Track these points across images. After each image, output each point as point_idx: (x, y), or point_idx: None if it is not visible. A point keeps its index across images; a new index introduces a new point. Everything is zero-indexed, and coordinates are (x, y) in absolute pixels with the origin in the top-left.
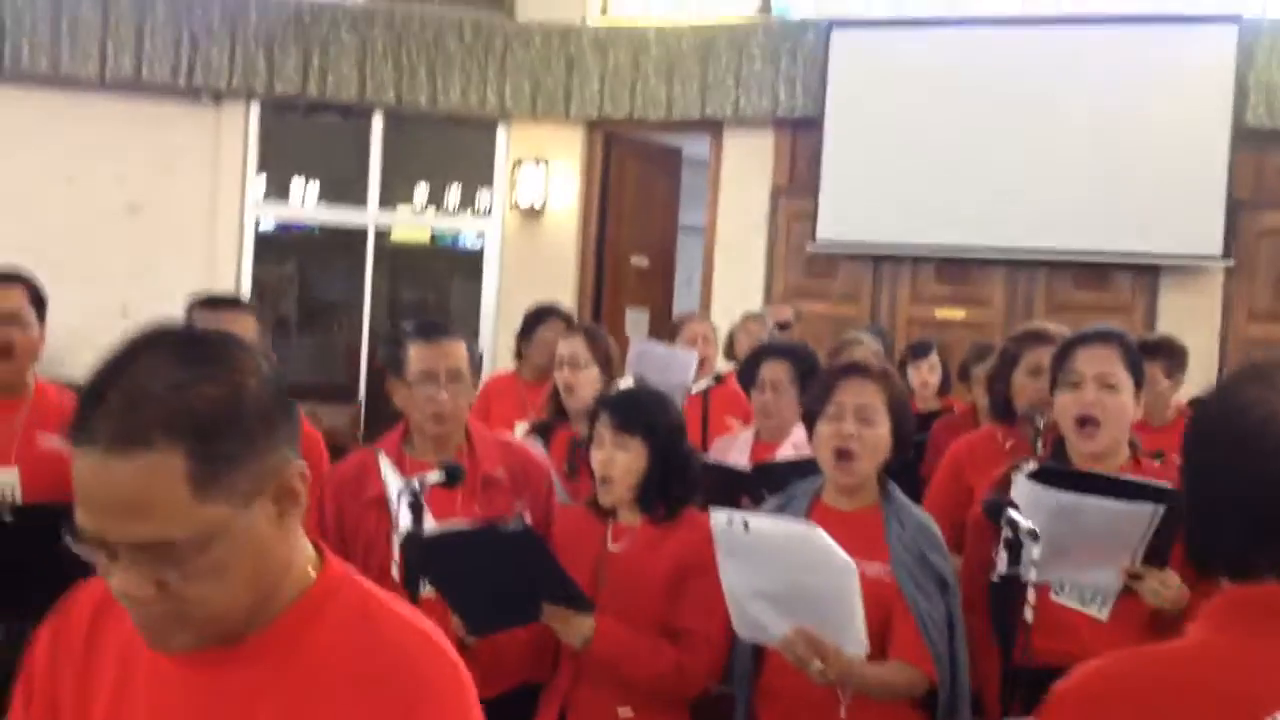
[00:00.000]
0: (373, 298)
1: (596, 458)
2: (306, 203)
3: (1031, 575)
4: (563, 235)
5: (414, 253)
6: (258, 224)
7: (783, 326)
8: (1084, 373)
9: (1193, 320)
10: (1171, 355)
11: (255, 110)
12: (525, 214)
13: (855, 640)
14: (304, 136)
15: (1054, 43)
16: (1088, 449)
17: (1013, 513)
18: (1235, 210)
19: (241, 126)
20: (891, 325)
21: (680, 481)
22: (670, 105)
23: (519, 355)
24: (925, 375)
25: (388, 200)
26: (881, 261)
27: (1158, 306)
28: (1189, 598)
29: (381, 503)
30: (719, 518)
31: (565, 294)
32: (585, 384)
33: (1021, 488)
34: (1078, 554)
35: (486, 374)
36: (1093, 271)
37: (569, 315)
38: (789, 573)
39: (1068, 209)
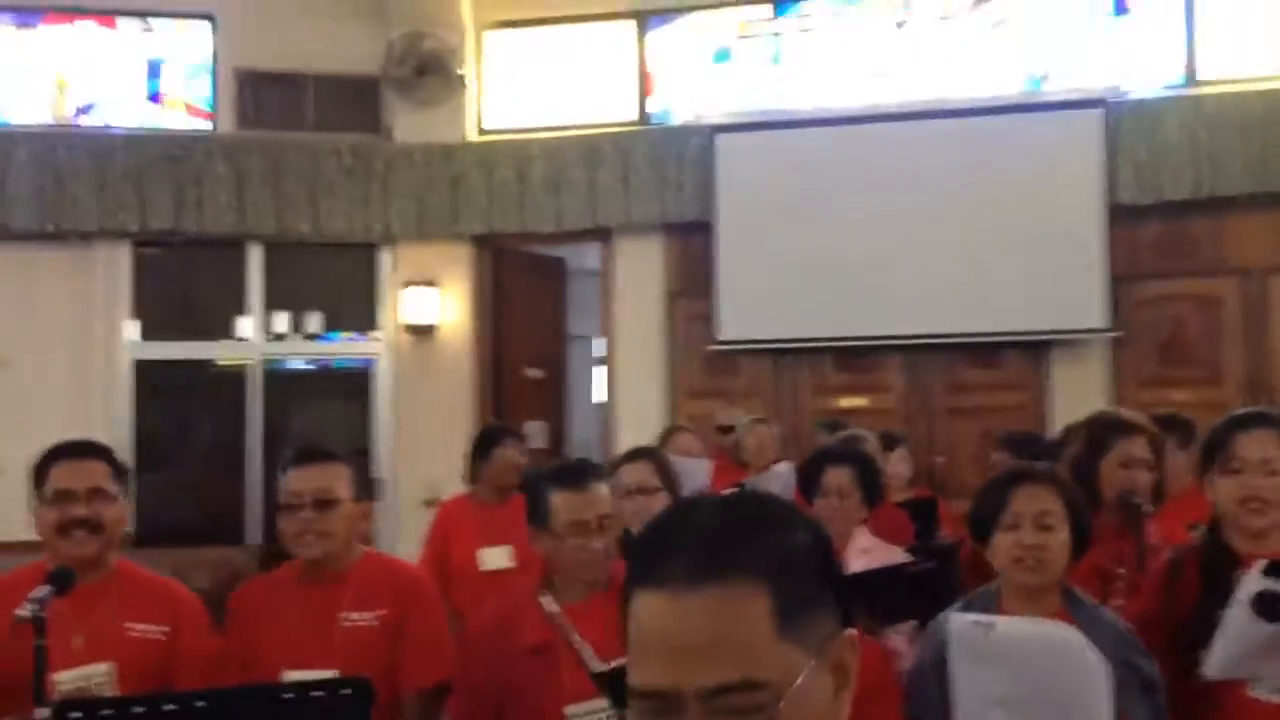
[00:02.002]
0: (263, 432)
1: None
2: (185, 340)
3: (1209, 671)
4: (456, 352)
5: (301, 381)
6: (134, 366)
7: (728, 430)
8: (1246, 458)
9: (1084, 391)
10: (1184, 429)
11: (127, 250)
12: (416, 334)
13: None
14: (181, 272)
15: (932, 133)
16: (1253, 525)
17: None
18: (1116, 284)
19: (113, 267)
20: (796, 417)
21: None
22: (560, 216)
23: (473, 478)
24: (896, 466)
25: (271, 331)
26: (781, 356)
27: (1050, 381)
28: None
29: (536, 650)
30: (962, 621)
31: (462, 410)
32: (655, 510)
33: (1251, 580)
34: None
35: (390, 494)
36: (986, 351)
37: (522, 433)
38: (1036, 676)
39: (957, 292)
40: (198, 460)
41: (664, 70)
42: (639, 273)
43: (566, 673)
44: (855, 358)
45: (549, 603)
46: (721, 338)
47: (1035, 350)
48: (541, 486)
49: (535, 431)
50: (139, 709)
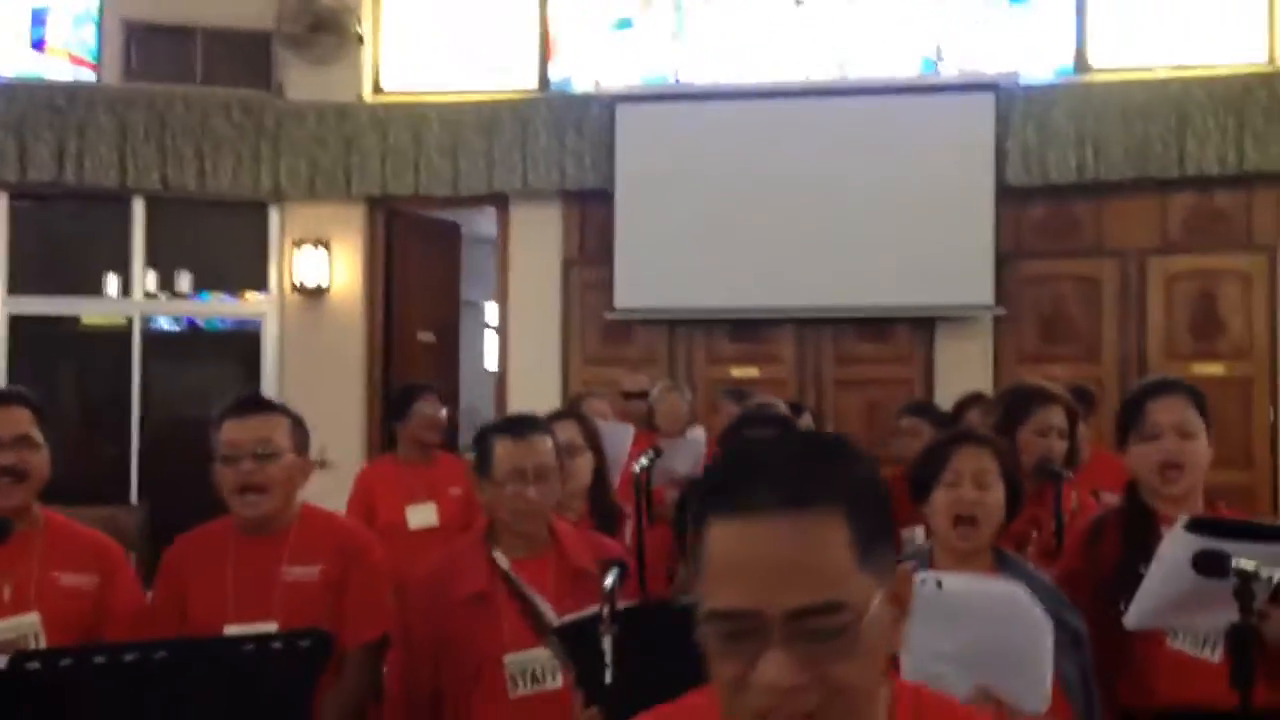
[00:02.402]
0: (141, 392)
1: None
2: (64, 295)
3: (1128, 623)
4: (347, 315)
5: (186, 341)
6: (8, 321)
7: (634, 396)
8: (1162, 423)
9: (967, 366)
10: (1087, 400)
11: (3, 201)
12: (306, 295)
13: (1040, 696)
14: (60, 226)
15: (829, 111)
16: (1170, 493)
17: (1242, 561)
18: (1001, 262)
19: None
20: (690, 386)
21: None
22: (456, 181)
23: (392, 438)
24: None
25: (154, 288)
26: (676, 325)
27: (935, 355)
28: None
29: (476, 598)
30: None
31: (352, 374)
32: (581, 471)
33: (1177, 537)
34: (1219, 600)
35: None
36: (874, 325)
37: (438, 390)
38: (981, 631)
39: (849, 267)
40: (78, 419)
41: (565, 36)
42: (536, 240)
43: (506, 622)
44: (748, 329)
45: (500, 557)
46: (618, 306)
47: (922, 325)
48: (488, 436)
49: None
50: (100, 659)
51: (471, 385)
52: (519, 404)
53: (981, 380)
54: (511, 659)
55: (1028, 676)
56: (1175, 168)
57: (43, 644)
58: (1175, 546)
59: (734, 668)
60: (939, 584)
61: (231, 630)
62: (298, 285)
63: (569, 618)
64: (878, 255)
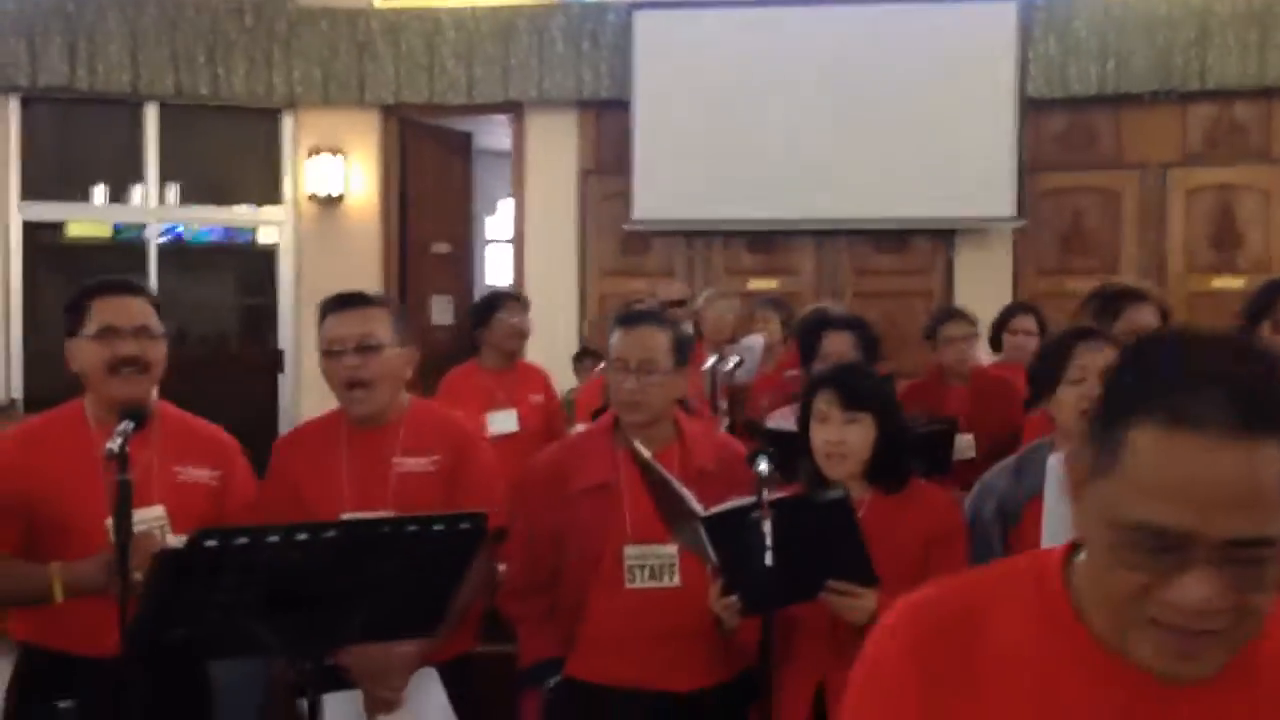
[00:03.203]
0: (161, 298)
1: (822, 434)
2: (80, 201)
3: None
4: (362, 224)
5: (203, 250)
6: (24, 226)
7: (674, 304)
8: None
9: (987, 278)
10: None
11: (15, 105)
12: (321, 204)
13: None
14: (72, 131)
15: (851, 22)
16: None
17: (759, 460)
18: (1021, 175)
19: (2, 123)
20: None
21: (903, 451)
22: (471, 89)
23: (475, 346)
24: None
25: (168, 195)
26: (694, 237)
27: (954, 267)
28: None
29: (598, 488)
30: (1057, 458)
31: (368, 284)
32: None
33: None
34: None
35: (292, 367)
36: (893, 237)
37: (523, 297)
38: None
39: (869, 179)
40: None
41: None
42: (552, 149)
43: (629, 513)
44: (767, 240)
45: (640, 448)
46: (636, 217)
47: (942, 237)
48: (611, 329)
49: (443, 307)
50: (273, 538)
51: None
52: (535, 316)
53: (1001, 292)
54: (632, 550)
55: None
56: (1196, 80)
57: (169, 536)
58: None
59: (1142, 578)
60: None
61: (350, 518)
62: (312, 195)
63: (719, 507)
64: (898, 167)
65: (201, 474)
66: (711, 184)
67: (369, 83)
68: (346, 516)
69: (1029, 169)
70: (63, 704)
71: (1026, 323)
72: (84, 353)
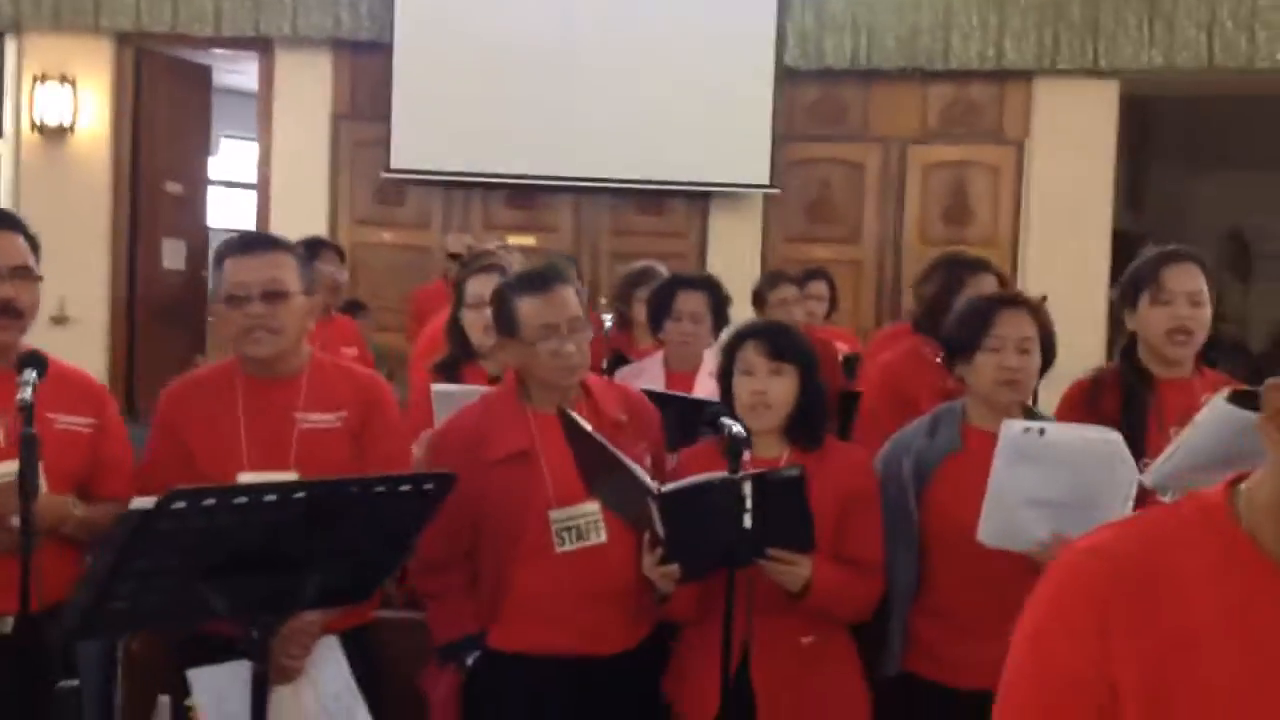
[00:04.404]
0: None
1: (748, 386)
2: None
3: (1148, 480)
4: (92, 159)
5: None
6: None
7: (455, 256)
8: (1175, 290)
9: (738, 243)
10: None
11: None
12: (48, 136)
13: None
14: None
15: None
16: (1177, 356)
17: (726, 420)
18: (775, 143)
19: None
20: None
21: (823, 410)
22: (218, 20)
23: None
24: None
25: None
26: (452, 189)
27: (709, 230)
28: None
29: (517, 456)
30: (1014, 425)
31: (97, 222)
32: None
33: (1215, 409)
34: (1224, 465)
35: None
36: (653, 199)
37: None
38: (1074, 478)
39: (630, 140)
40: None
41: None
42: (303, 91)
43: (550, 477)
44: (526, 195)
45: (580, 420)
46: (394, 166)
47: (697, 201)
48: (507, 296)
49: (174, 249)
50: (241, 499)
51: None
52: None
53: (751, 257)
54: (557, 514)
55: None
56: (940, 60)
57: (43, 489)
58: (1214, 416)
59: None
60: (1041, 431)
61: (246, 480)
62: (38, 124)
63: (677, 485)
64: (659, 129)
65: (76, 422)
66: (472, 135)
67: (105, 8)
68: (245, 477)
69: (783, 138)
70: None
71: (790, 291)
72: None
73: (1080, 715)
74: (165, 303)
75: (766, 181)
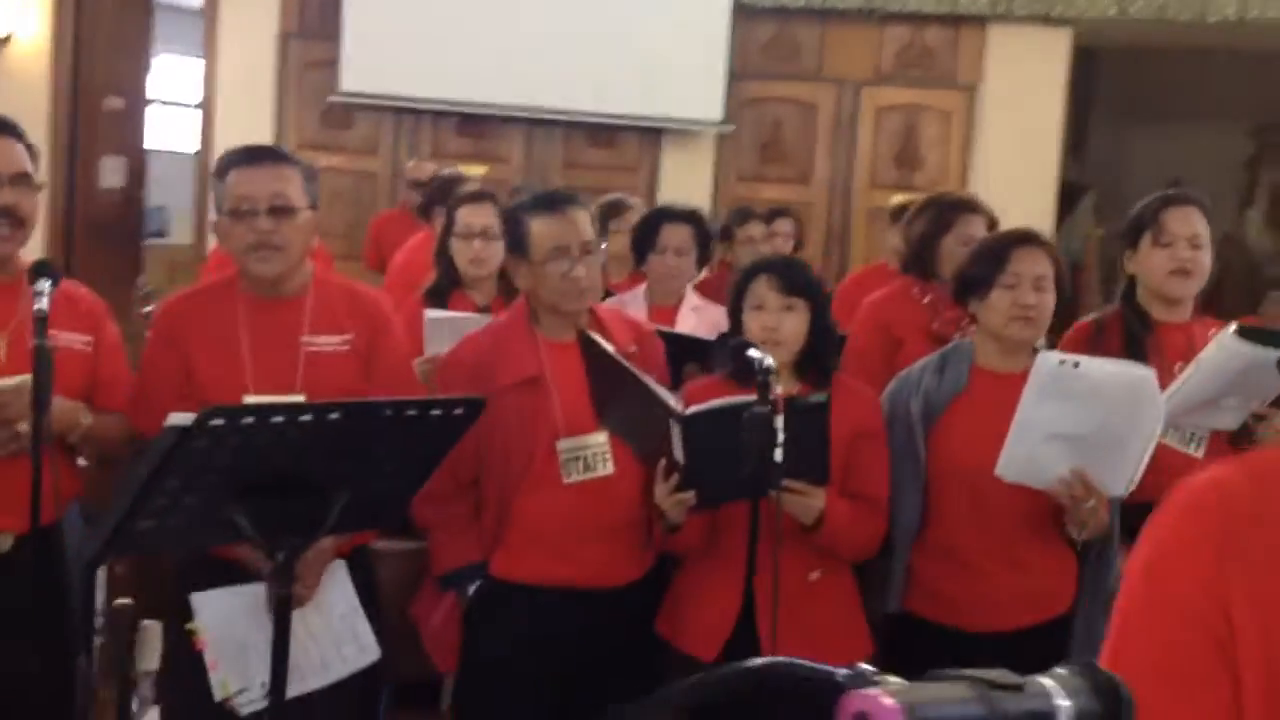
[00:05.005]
0: None
1: (759, 320)
2: None
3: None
4: (30, 71)
5: None
6: None
7: (421, 184)
8: (1177, 232)
9: (690, 180)
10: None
11: None
12: None
13: (1127, 482)
14: None
15: None
16: (1178, 295)
17: (753, 351)
18: (731, 81)
19: None
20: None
21: (834, 346)
22: None
23: None
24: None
25: None
26: (402, 114)
27: (660, 166)
28: None
29: (527, 382)
30: (1049, 357)
31: (34, 137)
32: (496, 255)
33: (1223, 345)
34: (1226, 401)
35: None
36: (606, 132)
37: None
38: (1104, 413)
39: (584, 72)
40: None
41: None
42: (249, 8)
43: (559, 407)
44: (478, 124)
45: (604, 343)
46: (344, 89)
47: (649, 136)
48: (519, 216)
49: (114, 167)
50: (278, 418)
51: (164, 162)
52: None
53: (702, 195)
54: (565, 444)
55: (1125, 462)
56: (896, 2)
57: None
58: (1222, 351)
59: None
60: (1077, 364)
61: (254, 401)
62: None
63: (703, 406)
64: (613, 63)
65: (76, 339)
66: (424, 61)
67: None
68: (250, 399)
69: (737, 75)
70: None
71: (758, 229)
72: None
73: (1197, 647)
74: (103, 222)
75: (719, 119)
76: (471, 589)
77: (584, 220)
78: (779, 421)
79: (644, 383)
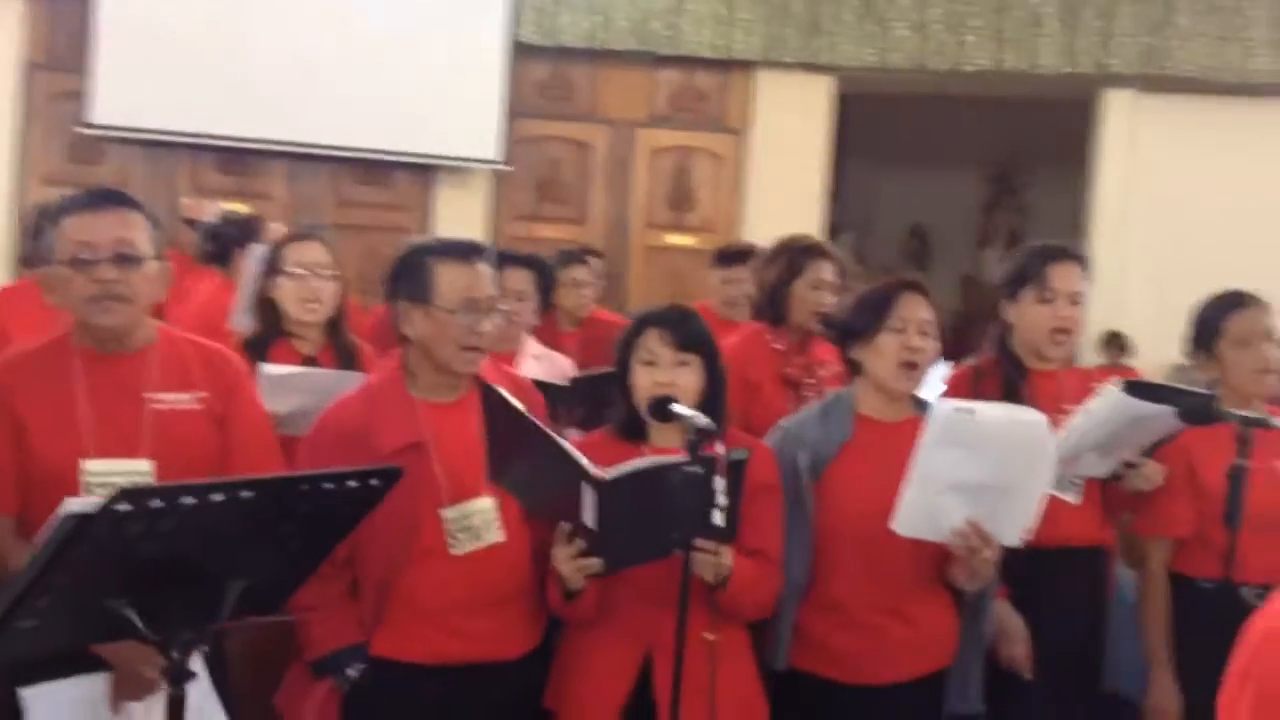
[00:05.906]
0: None
1: (652, 376)
2: None
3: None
4: None
5: None
6: None
7: (192, 224)
8: (1059, 289)
9: (466, 219)
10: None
11: None
12: None
13: (1021, 531)
14: None
15: None
16: (1056, 355)
17: (678, 407)
18: (507, 119)
19: None
20: (171, 217)
21: (724, 399)
22: None
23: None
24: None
25: None
26: (156, 149)
27: (435, 205)
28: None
29: (406, 450)
30: (946, 406)
31: None
32: (331, 295)
33: (1111, 398)
34: (1112, 452)
35: None
36: (376, 169)
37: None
38: (999, 461)
39: (352, 107)
40: None
41: None
42: None
43: (441, 471)
44: (239, 160)
45: (513, 401)
46: (94, 121)
47: (422, 174)
48: (421, 259)
49: None
50: (188, 499)
51: None
52: None
53: (478, 234)
54: (451, 513)
55: (1020, 510)
56: (669, 45)
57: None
58: (1108, 404)
59: None
60: (971, 411)
61: (92, 468)
62: None
63: (621, 469)
64: (383, 99)
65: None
66: (181, 93)
67: None
68: (92, 464)
69: (514, 114)
70: None
71: (582, 272)
72: None
73: None
74: None
75: (495, 157)
76: (352, 672)
77: (490, 275)
78: (718, 483)
79: (556, 442)
